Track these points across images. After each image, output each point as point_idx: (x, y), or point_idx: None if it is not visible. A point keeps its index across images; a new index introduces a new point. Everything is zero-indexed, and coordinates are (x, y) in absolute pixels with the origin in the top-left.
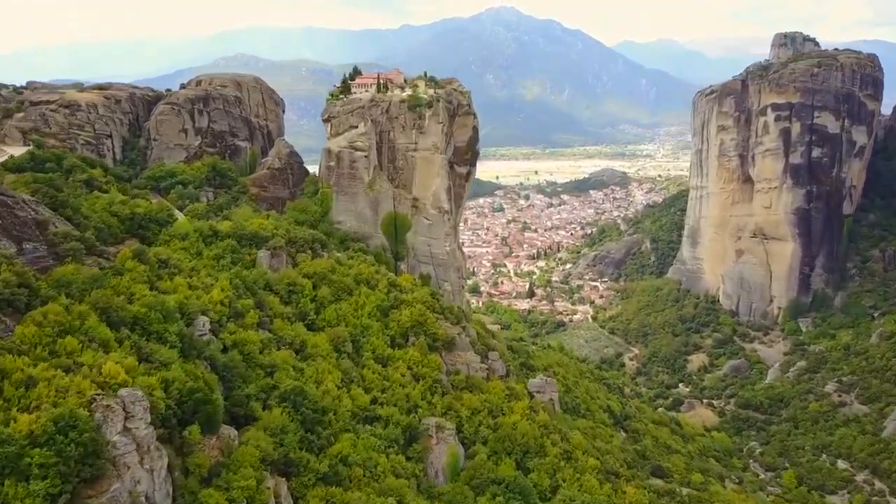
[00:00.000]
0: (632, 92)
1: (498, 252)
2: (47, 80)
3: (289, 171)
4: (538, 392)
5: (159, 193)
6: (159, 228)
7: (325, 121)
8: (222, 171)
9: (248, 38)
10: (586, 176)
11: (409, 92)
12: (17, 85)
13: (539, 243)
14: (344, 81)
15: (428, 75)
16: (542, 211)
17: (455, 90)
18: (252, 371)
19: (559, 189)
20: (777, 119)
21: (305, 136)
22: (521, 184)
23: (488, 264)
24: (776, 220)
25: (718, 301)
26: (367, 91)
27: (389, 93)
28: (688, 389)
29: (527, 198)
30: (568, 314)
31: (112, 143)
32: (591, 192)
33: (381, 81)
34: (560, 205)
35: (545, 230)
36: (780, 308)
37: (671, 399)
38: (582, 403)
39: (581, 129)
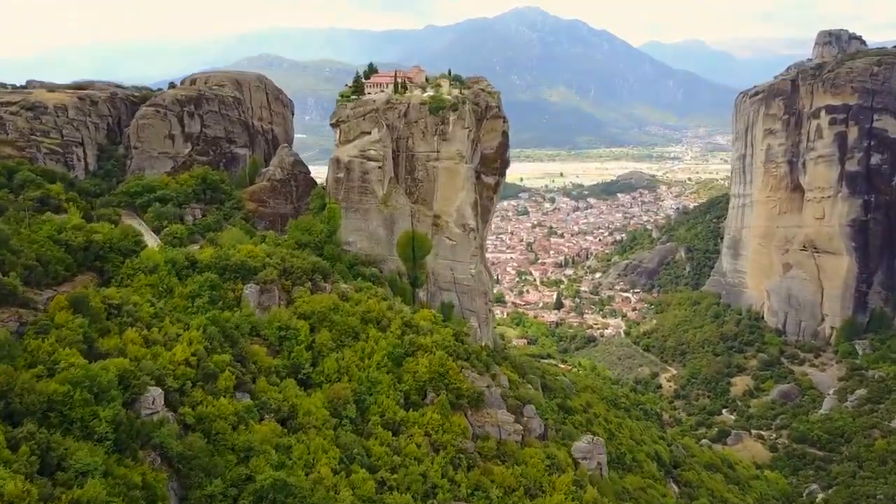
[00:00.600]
0: (659, 93)
1: (523, 259)
2: (69, 82)
3: (292, 183)
4: (584, 458)
5: (135, 212)
6: (122, 260)
7: (334, 126)
8: (214, 184)
9: (272, 39)
10: (613, 178)
11: (430, 93)
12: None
13: (566, 249)
14: (356, 80)
15: (452, 74)
16: (568, 215)
17: (483, 90)
18: (221, 457)
19: (585, 192)
20: (832, 122)
21: (329, 138)
22: (546, 186)
23: (513, 272)
24: (829, 233)
25: (763, 318)
26: (382, 91)
27: (408, 94)
28: (733, 417)
29: (552, 201)
30: (598, 328)
31: (84, 151)
32: (619, 195)
33: (399, 80)
34: (587, 208)
35: (572, 235)
36: (832, 328)
37: (716, 429)
38: (627, 452)
39: (607, 130)
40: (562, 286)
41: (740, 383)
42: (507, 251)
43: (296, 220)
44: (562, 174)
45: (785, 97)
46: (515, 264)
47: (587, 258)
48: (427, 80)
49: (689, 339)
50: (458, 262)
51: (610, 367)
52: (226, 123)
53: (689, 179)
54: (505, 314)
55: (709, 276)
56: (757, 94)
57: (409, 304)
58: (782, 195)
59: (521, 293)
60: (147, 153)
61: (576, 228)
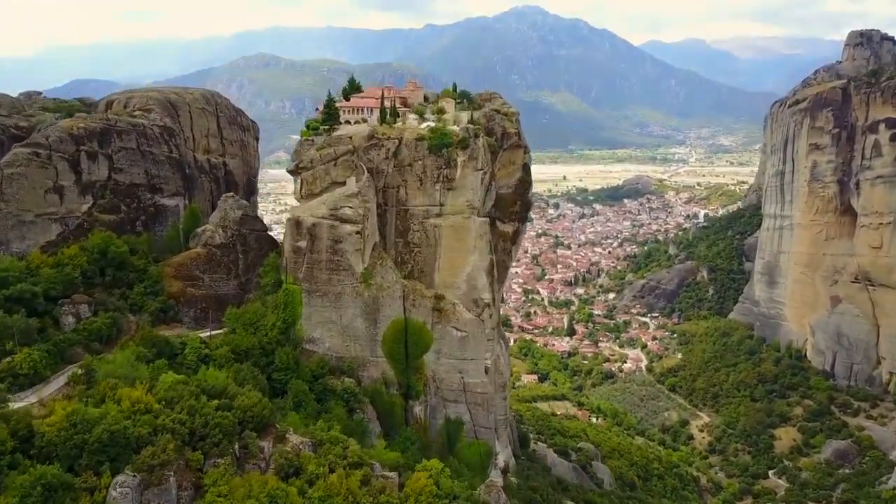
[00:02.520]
0: (660, 93)
1: (529, 274)
2: (67, 82)
3: (238, 248)
4: None
5: None
6: None
7: (293, 173)
8: (119, 258)
9: (270, 39)
10: (619, 184)
11: (430, 122)
12: None
13: (574, 263)
14: (329, 104)
15: (458, 89)
16: (573, 222)
17: (497, 112)
18: None
19: (590, 197)
20: (893, 138)
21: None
22: (549, 191)
23: (519, 289)
24: (888, 264)
25: (806, 356)
26: (364, 120)
27: (400, 123)
28: (783, 484)
29: (556, 206)
30: (616, 359)
31: None
32: (626, 200)
33: (389, 102)
34: (593, 216)
35: (579, 246)
36: (891, 373)
37: None
38: None
39: (609, 131)
40: (572, 308)
41: (785, 437)
42: (512, 265)
43: (237, 307)
44: (565, 177)
45: (835, 108)
46: (521, 280)
47: (598, 275)
48: (426, 98)
49: (722, 381)
50: (470, 360)
51: (632, 409)
52: (148, 164)
53: (698, 184)
54: (512, 341)
55: (734, 300)
56: (798, 102)
57: (400, 426)
58: (830, 219)
59: (528, 315)
60: (17, 217)
61: (583, 238)
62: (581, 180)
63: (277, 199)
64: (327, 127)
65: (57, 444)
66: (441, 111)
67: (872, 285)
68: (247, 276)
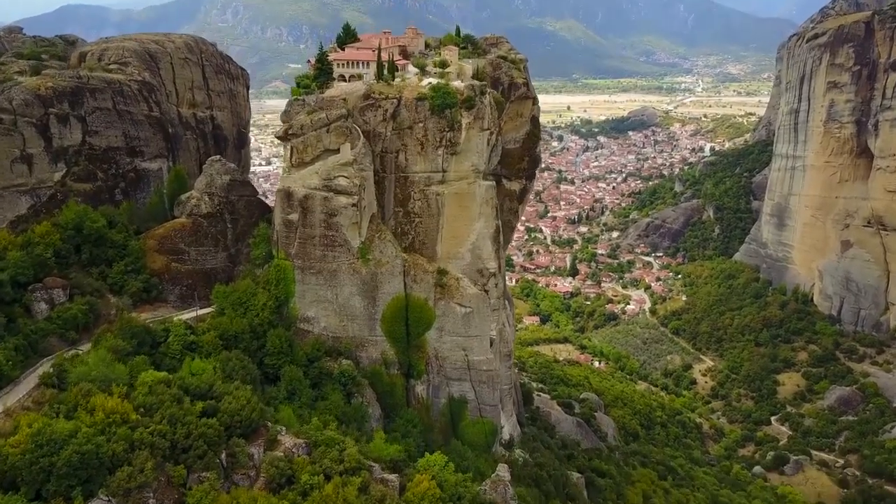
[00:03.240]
0: (668, 19)
1: (532, 211)
2: (57, 7)
3: (226, 217)
4: None
5: None
6: None
7: (282, 139)
8: (96, 233)
9: None
10: (624, 115)
11: (431, 79)
12: None
13: (577, 199)
14: (321, 58)
15: (461, 33)
16: (577, 156)
17: (504, 59)
18: None
19: (595, 129)
20: None
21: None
22: (553, 122)
23: (521, 227)
24: None
25: (812, 301)
26: (359, 76)
27: (398, 80)
28: (786, 431)
29: (560, 139)
30: (619, 300)
31: None
32: (630, 133)
33: (386, 55)
34: (597, 148)
35: (583, 181)
36: None
37: (769, 454)
38: None
39: (614, 59)
40: (575, 247)
41: (789, 382)
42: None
43: (226, 283)
44: (569, 108)
45: (856, 44)
46: (524, 218)
47: (602, 213)
48: (427, 45)
49: (726, 324)
50: (474, 336)
51: (634, 352)
52: (125, 125)
53: (705, 116)
54: (514, 281)
55: (741, 240)
56: (817, 36)
57: (402, 406)
58: (845, 161)
59: (530, 254)
60: None
61: (586, 173)
62: (585, 111)
63: (275, 132)
64: (319, 84)
65: (21, 468)
66: (444, 64)
67: (886, 230)
68: (236, 247)
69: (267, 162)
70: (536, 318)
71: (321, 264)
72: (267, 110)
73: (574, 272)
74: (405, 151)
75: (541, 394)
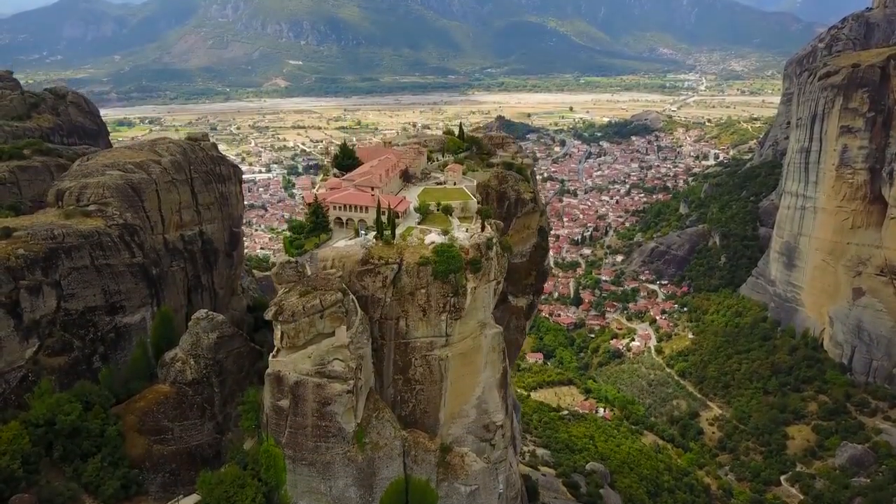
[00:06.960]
0: (671, 13)
1: None
2: None
3: (213, 382)
4: None
5: None
6: None
7: (272, 320)
8: (69, 427)
9: None
10: (627, 118)
11: (436, 237)
12: None
13: (581, 215)
14: (315, 210)
15: (464, 134)
16: (580, 163)
17: (511, 165)
18: None
19: (598, 134)
20: None
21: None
22: (556, 124)
23: None
24: None
25: (822, 346)
26: (361, 233)
27: (399, 240)
28: (796, 492)
29: (562, 143)
30: (624, 334)
31: None
32: (634, 138)
33: (385, 203)
34: (600, 154)
35: (586, 192)
36: None
37: None
38: None
39: (617, 56)
40: (579, 270)
41: (798, 436)
42: None
43: (212, 461)
44: (571, 108)
45: (871, 89)
46: None
47: (606, 232)
48: (429, 158)
49: (734, 369)
50: None
51: (640, 394)
52: (105, 280)
53: (708, 121)
54: None
55: (747, 269)
56: (829, 74)
57: None
58: (857, 206)
59: None
60: None
61: (589, 183)
62: (588, 112)
63: (276, 135)
64: (312, 236)
65: None
66: (448, 210)
67: None
68: (224, 413)
69: (267, 169)
70: (540, 355)
71: (314, 455)
72: (267, 110)
73: (577, 301)
74: (406, 318)
75: (545, 470)
